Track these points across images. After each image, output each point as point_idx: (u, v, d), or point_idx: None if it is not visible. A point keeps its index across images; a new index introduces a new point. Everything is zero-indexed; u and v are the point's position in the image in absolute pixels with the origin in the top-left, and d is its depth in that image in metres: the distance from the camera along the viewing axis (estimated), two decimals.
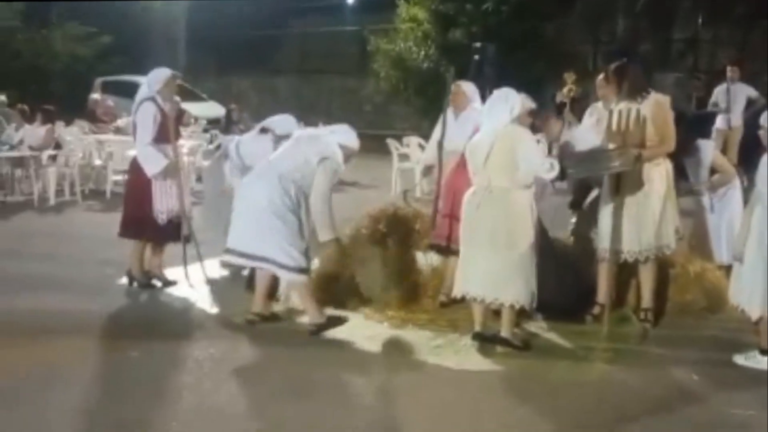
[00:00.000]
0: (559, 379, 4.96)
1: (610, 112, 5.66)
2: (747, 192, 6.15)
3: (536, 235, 5.32)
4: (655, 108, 5.62)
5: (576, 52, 18.11)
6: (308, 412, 4.40)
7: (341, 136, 5.86)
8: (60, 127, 12.49)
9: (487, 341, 5.40)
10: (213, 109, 18.08)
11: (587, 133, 6.04)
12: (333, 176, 5.67)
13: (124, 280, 6.86)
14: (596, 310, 5.83)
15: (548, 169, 5.23)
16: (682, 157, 6.48)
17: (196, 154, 12.14)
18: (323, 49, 24.04)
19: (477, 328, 5.45)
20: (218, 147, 8.85)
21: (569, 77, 5.98)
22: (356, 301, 6.20)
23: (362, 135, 6.06)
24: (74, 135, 12.60)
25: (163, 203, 6.65)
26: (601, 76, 6.25)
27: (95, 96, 16.67)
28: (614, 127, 5.53)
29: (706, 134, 9.55)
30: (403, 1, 17.67)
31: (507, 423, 4.32)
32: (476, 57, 12.29)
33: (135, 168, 6.74)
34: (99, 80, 19.90)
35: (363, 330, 5.75)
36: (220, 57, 23.90)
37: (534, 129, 5.70)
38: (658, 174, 5.63)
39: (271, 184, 5.58)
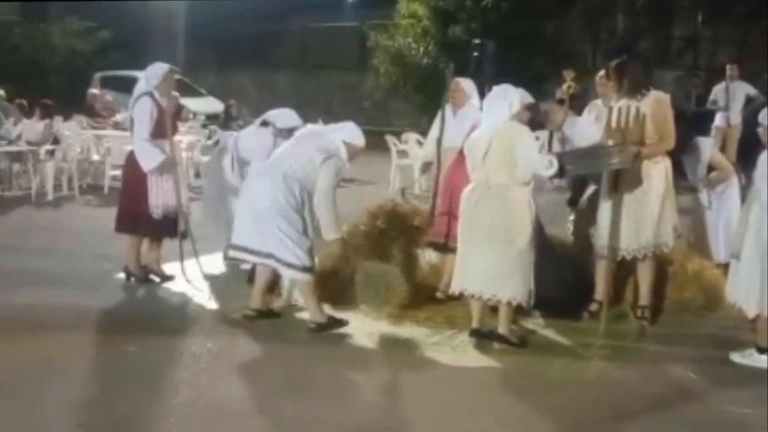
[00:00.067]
0: (557, 376, 4.96)
1: (610, 109, 5.65)
2: (745, 190, 6.15)
3: (534, 231, 5.32)
4: (654, 105, 5.62)
5: (575, 50, 18.10)
6: (306, 408, 4.39)
7: (346, 133, 5.77)
8: (58, 122, 12.46)
9: (484, 338, 5.40)
10: (212, 104, 18.05)
11: (588, 127, 6.02)
12: (337, 174, 5.60)
13: (122, 275, 6.85)
14: (594, 307, 5.83)
15: (547, 166, 5.22)
16: (681, 155, 6.48)
17: (194, 149, 12.14)
18: (323, 44, 23.97)
19: (474, 324, 5.44)
20: (217, 143, 8.85)
21: (568, 74, 5.96)
22: (354, 297, 6.18)
23: (361, 131, 6.04)
24: (72, 130, 12.57)
25: (159, 198, 6.63)
26: (601, 74, 6.26)
27: (94, 91, 16.62)
28: (614, 124, 5.53)
29: (705, 132, 9.56)
30: None
31: (504, 420, 4.32)
32: (475, 54, 12.28)
33: (131, 163, 6.72)
34: (98, 75, 19.89)
35: (361, 326, 5.74)
36: (220, 52, 23.83)
37: (533, 123, 5.68)
38: (657, 172, 5.63)
39: (275, 184, 5.53)
